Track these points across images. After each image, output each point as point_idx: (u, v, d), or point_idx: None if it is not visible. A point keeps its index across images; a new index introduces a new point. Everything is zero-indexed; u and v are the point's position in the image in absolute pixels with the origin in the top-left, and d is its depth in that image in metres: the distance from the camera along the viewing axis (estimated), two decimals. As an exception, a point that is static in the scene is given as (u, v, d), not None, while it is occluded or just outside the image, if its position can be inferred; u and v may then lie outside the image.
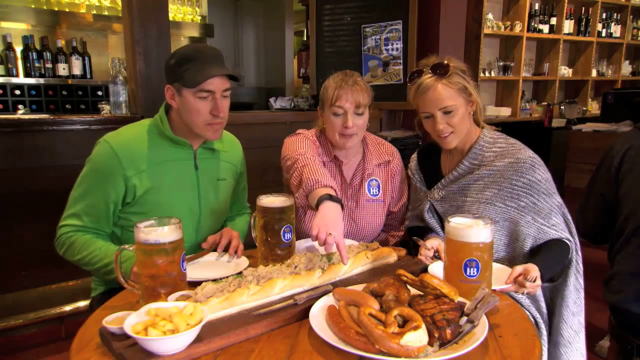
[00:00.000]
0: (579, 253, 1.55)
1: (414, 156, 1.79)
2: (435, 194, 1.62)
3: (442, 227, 1.59)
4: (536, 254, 1.44)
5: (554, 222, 1.48)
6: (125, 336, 0.94)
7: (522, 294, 1.33)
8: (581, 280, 1.55)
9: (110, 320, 0.99)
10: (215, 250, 1.55)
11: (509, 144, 1.54)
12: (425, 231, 1.65)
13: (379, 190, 1.80)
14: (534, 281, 1.25)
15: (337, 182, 1.75)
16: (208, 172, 1.62)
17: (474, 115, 1.56)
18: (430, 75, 1.47)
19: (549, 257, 1.41)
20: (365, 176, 1.79)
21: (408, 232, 1.76)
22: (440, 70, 1.46)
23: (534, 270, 1.26)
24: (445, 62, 1.47)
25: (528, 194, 1.46)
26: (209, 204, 1.61)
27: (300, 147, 1.71)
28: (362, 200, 1.77)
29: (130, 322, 0.94)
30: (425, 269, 1.37)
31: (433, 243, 1.47)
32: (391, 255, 1.42)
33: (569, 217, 1.55)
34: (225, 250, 1.54)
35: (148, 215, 1.47)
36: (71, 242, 1.44)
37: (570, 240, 1.49)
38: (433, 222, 1.63)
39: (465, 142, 1.56)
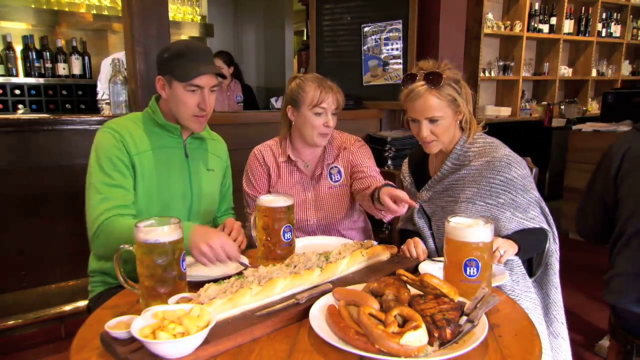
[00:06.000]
0: (557, 242, 1.61)
1: (406, 160, 1.84)
2: (423, 194, 1.67)
3: (430, 227, 1.65)
4: (515, 232, 1.50)
5: (531, 215, 1.53)
6: (128, 340, 0.93)
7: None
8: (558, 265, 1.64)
9: (113, 325, 0.98)
10: None
11: (486, 144, 1.58)
12: (414, 235, 1.67)
13: (340, 176, 1.87)
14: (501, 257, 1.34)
15: (294, 178, 1.87)
16: (198, 160, 1.67)
17: (460, 121, 1.59)
18: (422, 83, 1.50)
19: (526, 234, 1.48)
20: (324, 166, 1.87)
21: (399, 233, 1.79)
22: (433, 80, 1.49)
23: (495, 241, 1.32)
24: (439, 71, 1.49)
25: (506, 191, 1.50)
26: (200, 190, 1.66)
27: (249, 183, 1.89)
28: (325, 189, 1.86)
29: (137, 326, 0.92)
30: (417, 267, 1.40)
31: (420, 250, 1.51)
32: (384, 253, 1.45)
33: (547, 209, 1.60)
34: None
35: (145, 198, 1.53)
36: (119, 227, 1.40)
37: (548, 230, 1.55)
38: (421, 222, 1.67)
39: (449, 144, 1.60)
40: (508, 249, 1.36)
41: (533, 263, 1.58)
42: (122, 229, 1.38)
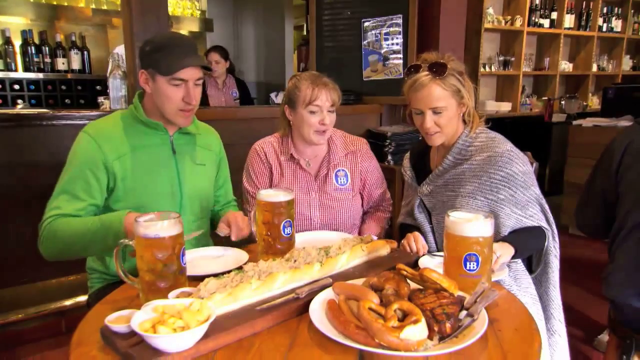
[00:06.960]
0: (557, 240, 1.61)
1: (407, 154, 1.83)
2: (424, 189, 1.66)
3: (430, 222, 1.65)
4: (510, 233, 1.49)
5: (530, 212, 1.52)
6: (128, 335, 0.93)
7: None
8: (558, 262, 1.64)
9: (113, 320, 0.98)
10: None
11: (488, 138, 1.57)
12: (414, 229, 1.67)
13: (346, 180, 1.87)
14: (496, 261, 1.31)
15: (298, 176, 1.86)
16: (186, 156, 1.63)
17: (463, 114, 1.59)
18: (427, 73, 1.49)
19: (522, 235, 1.48)
20: (331, 167, 1.86)
21: (399, 228, 1.79)
22: (438, 70, 1.48)
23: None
24: (444, 62, 1.48)
25: (506, 187, 1.49)
26: (189, 187, 1.62)
27: (249, 180, 1.89)
28: (330, 190, 1.85)
29: (138, 320, 0.92)
30: (416, 262, 1.40)
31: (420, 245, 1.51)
32: (384, 248, 1.44)
33: (547, 207, 1.59)
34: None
35: (130, 200, 1.49)
36: (61, 224, 1.40)
37: (547, 229, 1.55)
38: (422, 217, 1.67)
39: (451, 138, 1.59)
40: (503, 253, 1.35)
41: (533, 261, 1.58)
42: (64, 228, 1.39)
